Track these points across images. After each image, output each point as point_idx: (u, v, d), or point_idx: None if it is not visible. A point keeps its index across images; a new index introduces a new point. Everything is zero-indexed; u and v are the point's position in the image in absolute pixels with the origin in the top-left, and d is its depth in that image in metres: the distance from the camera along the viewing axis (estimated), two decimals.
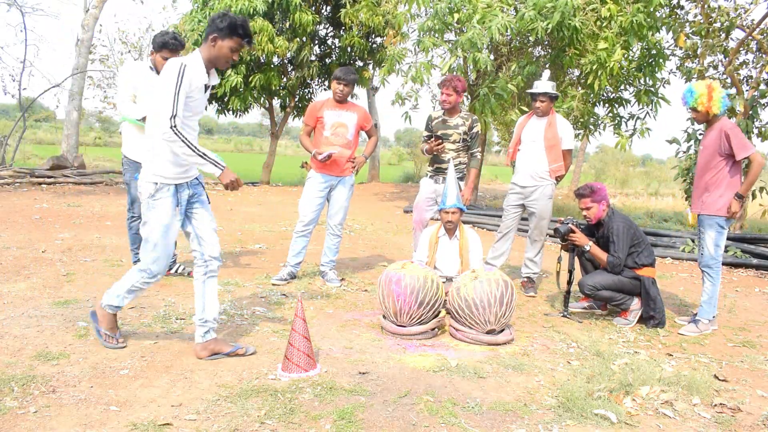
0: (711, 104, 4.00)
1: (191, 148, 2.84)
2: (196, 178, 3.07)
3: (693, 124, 7.78)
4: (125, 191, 4.89)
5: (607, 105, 9.65)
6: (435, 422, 2.49)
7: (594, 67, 7.83)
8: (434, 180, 4.82)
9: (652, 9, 7.49)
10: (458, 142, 4.74)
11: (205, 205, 3.10)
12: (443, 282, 3.94)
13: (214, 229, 3.11)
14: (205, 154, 2.89)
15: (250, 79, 12.45)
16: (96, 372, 2.78)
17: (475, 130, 4.78)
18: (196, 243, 3.08)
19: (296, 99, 14.07)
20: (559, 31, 7.59)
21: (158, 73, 4.33)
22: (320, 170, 4.72)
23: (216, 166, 2.93)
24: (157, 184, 2.90)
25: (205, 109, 3.21)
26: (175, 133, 2.79)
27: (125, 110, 4.23)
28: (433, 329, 3.68)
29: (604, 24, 7.79)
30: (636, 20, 7.41)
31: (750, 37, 8.63)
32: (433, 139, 4.75)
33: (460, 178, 4.78)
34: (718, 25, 8.65)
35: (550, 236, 6.75)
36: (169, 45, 4.23)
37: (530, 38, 8.34)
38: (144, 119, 4.19)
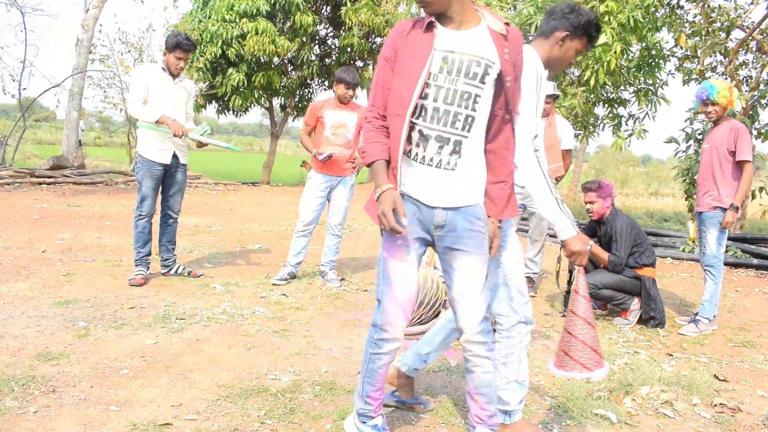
0: (732, 97, 4.03)
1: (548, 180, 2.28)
2: None
3: (692, 124, 7.78)
4: (125, 191, 4.89)
5: (606, 105, 9.65)
6: (435, 422, 2.49)
7: (590, 63, 7.84)
8: None
9: (646, 5, 7.49)
10: None
11: None
12: (443, 282, 3.93)
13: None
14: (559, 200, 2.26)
15: (252, 78, 12.47)
16: (96, 372, 2.77)
17: None
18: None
19: (296, 99, 14.08)
20: None
21: (171, 74, 4.36)
22: (320, 170, 4.72)
23: (572, 224, 2.24)
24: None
25: None
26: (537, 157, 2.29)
27: (137, 112, 4.24)
28: None
29: (604, 20, 7.79)
30: (633, 16, 7.42)
31: (750, 37, 8.62)
32: None
33: None
34: (718, 25, 8.64)
35: (550, 236, 6.76)
36: (182, 45, 4.26)
37: (530, 37, 8.34)
38: (158, 122, 4.21)
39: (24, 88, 12.20)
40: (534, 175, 2.22)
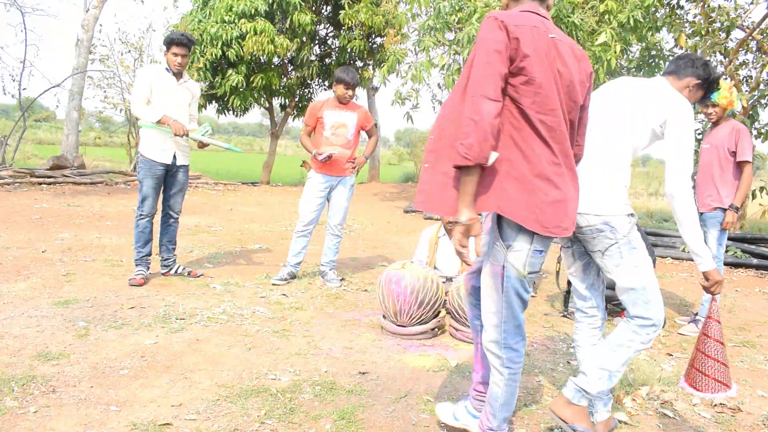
0: (733, 98, 4.03)
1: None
2: None
3: None
4: (125, 191, 4.89)
5: None
6: (435, 422, 2.49)
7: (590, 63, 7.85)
8: None
9: (647, 5, 7.49)
10: None
11: None
12: (443, 282, 3.94)
13: None
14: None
15: (251, 79, 12.47)
16: (96, 372, 2.78)
17: None
18: None
19: (296, 99, 14.08)
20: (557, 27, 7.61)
21: (174, 74, 4.37)
22: (320, 170, 4.72)
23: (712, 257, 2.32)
24: (633, 215, 2.32)
25: None
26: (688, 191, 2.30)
27: (139, 112, 4.26)
28: (433, 329, 3.68)
29: (604, 19, 7.78)
30: (633, 16, 7.42)
31: (750, 37, 8.62)
32: None
33: None
34: (718, 25, 8.64)
35: None
36: (175, 40, 4.29)
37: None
38: (160, 122, 4.22)
39: (24, 88, 12.20)
40: (688, 207, 2.27)
